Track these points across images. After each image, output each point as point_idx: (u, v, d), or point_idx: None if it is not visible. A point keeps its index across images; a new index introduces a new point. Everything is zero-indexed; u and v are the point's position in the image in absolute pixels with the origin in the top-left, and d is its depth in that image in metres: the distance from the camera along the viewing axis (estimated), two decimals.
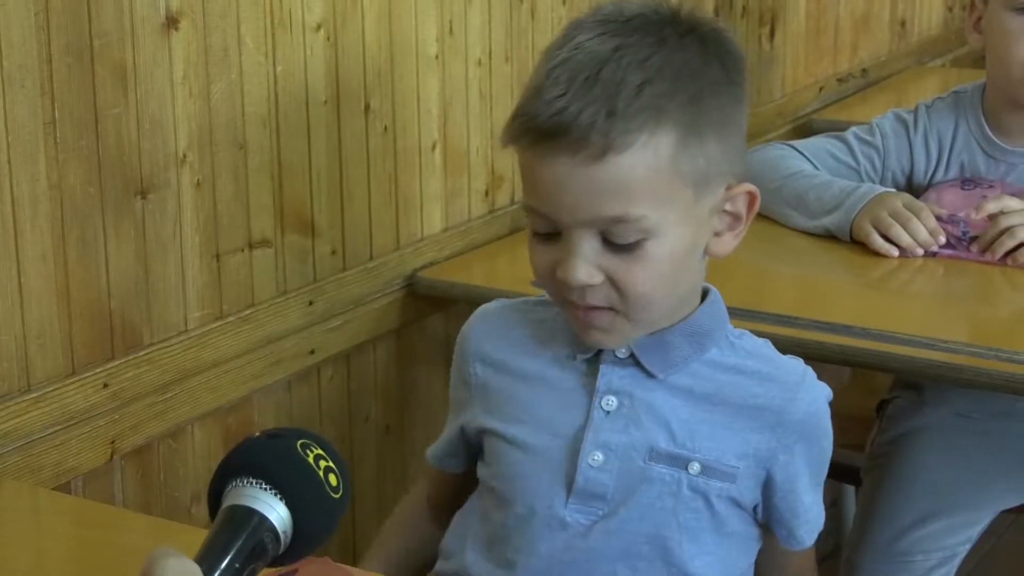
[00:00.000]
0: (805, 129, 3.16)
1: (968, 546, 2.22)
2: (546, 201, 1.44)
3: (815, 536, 1.58)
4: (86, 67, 1.67)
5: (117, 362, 1.75)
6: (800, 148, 2.39)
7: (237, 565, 1.05)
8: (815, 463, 1.55)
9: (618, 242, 1.43)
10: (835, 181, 2.29)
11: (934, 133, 2.37)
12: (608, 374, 1.53)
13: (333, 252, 2.04)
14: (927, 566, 2.19)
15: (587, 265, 1.43)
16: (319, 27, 1.97)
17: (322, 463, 1.11)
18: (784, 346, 1.93)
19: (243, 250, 1.90)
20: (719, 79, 1.47)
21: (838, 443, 2.50)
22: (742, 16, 3.00)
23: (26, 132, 1.61)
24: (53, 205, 1.66)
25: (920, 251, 2.17)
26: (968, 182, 2.33)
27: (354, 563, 2.03)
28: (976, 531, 2.22)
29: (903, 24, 3.72)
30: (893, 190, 2.27)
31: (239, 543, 1.05)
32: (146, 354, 1.78)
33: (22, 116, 1.61)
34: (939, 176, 2.37)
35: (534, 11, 2.40)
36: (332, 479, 1.11)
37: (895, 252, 2.17)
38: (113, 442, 1.75)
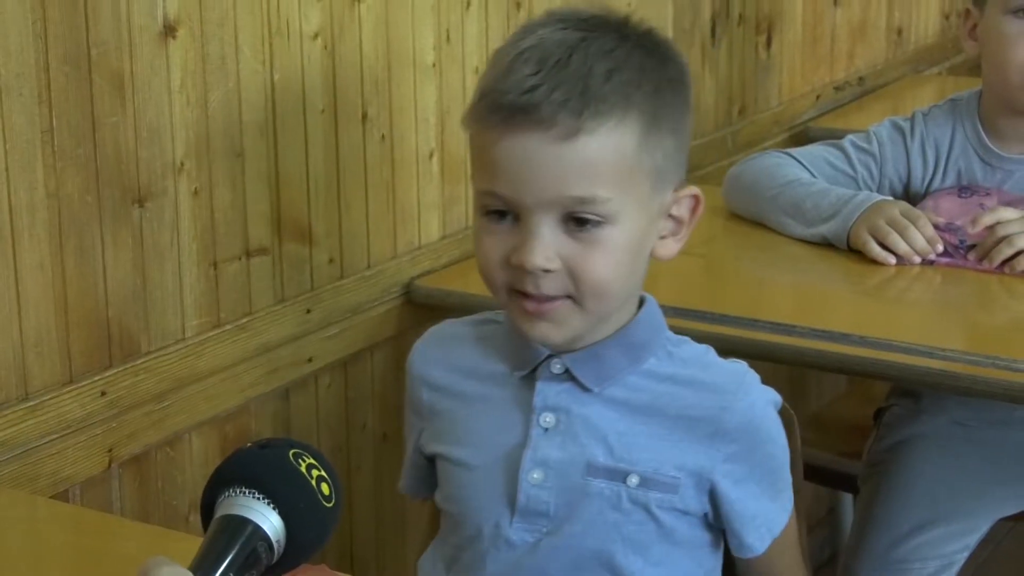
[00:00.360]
0: (802, 137, 3.16)
1: (966, 554, 2.22)
2: (510, 182, 1.43)
3: (767, 543, 1.55)
4: (84, 76, 1.67)
5: (115, 370, 1.75)
6: (797, 156, 2.39)
7: (231, 574, 1.05)
8: (760, 470, 1.53)
9: (582, 219, 1.43)
10: (832, 189, 2.29)
11: (931, 140, 2.37)
12: (544, 391, 1.52)
13: (331, 260, 2.04)
14: (925, 574, 2.19)
15: (546, 248, 1.43)
16: (316, 36, 1.97)
17: (314, 472, 1.12)
18: (782, 354, 1.94)
19: (240, 258, 1.90)
20: (675, 78, 1.51)
21: (836, 451, 2.53)
22: (739, 24, 3.00)
23: (24, 140, 1.61)
24: (51, 213, 1.66)
25: (917, 259, 2.17)
26: (965, 189, 2.34)
27: (352, 571, 2.03)
28: (974, 539, 2.22)
29: (900, 32, 3.72)
30: (890, 198, 2.27)
31: (233, 552, 1.06)
32: (144, 362, 1.78)
33: (20, 124, 1.61)
34: (936, 184, 2.37)
35: (531, 16, 2.39)
36: (324, 488, 1.12)
37: (892, 260, 2.17)
38: (110, 450, 1.75)
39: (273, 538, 1.08)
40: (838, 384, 3.23)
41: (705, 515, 1.54)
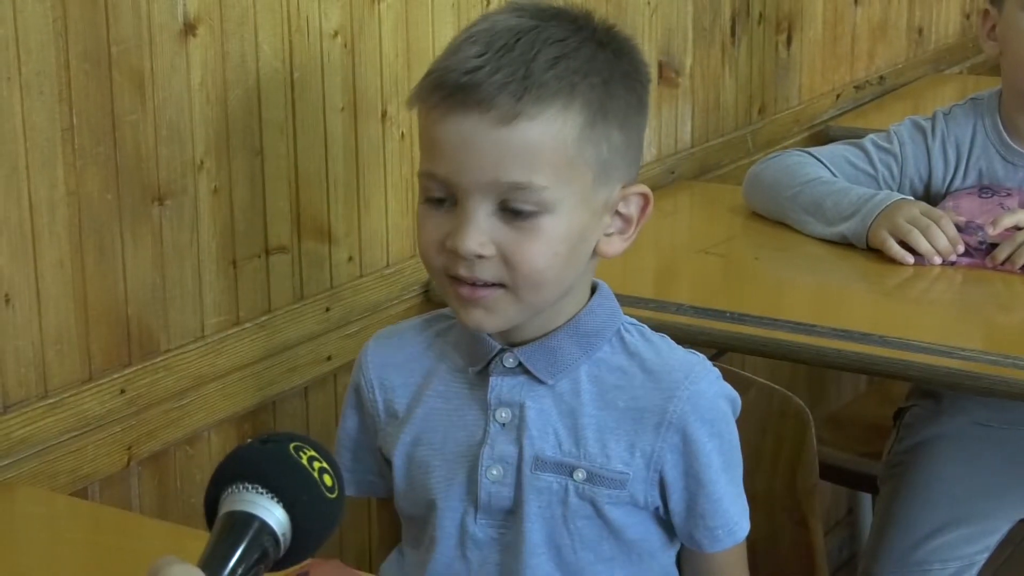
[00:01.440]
0: (822, 136, 3.16)
1: (986, 555, 2.21)
2: (448, 162, 1.42)
3: (722, 543, 1.53)
4: (104, 74, 1.67)
5: (134, 368, 1.75)
6: (818, 155, 2.39)
7: (240, 570, 1.05)
8: (710, 464, 1.50)
9: (516, 210, 1.42)
10: (853, 188, 2.29)
11: (952, 140, 2.37)
12: (497, 386, 1.52)
13: (350, 259, 2.04)
14: (945, 575, 2.19)
15: (480, 234, 1.42)
16: (336, 34, 1.97)
17: (316, 464, 1.12)
18: (801, 354, 1.94)
19: (260, 256, 1.90)
20: (629, 74, 1.49)
21: (855, 451, 2.53)
22: (759, 23, 3.00)
23: (44, 138, 1.62)
24: (71, 211, 1.66)
25: (938, 259, 2.16)
26: (986, 189, 2.33)
27: (370, 569, 2.03)
28: (994, 540, 2.22)
29: (920, 31, 3.71)
30: (911, 198, 2.27)
31: (241, 548, 1.06)
32: (163, 360, 1.78)
33: (40, 123, 1.61)
34: (957, 183, 2.36)
35: None
36: (327, 479, 1.12)
37: (911, 259, 2.17)
38: (130, 448, 1.75)
39: (279, 532, 1.08)
40: (858, 384, 3.23)
41: (657, 510, 1.52)
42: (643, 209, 1.52)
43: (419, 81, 1.47)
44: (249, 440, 1.14)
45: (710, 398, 1.50)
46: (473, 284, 1.44)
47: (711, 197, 2.69)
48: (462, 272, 1.44)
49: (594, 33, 1.47)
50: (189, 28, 1.76)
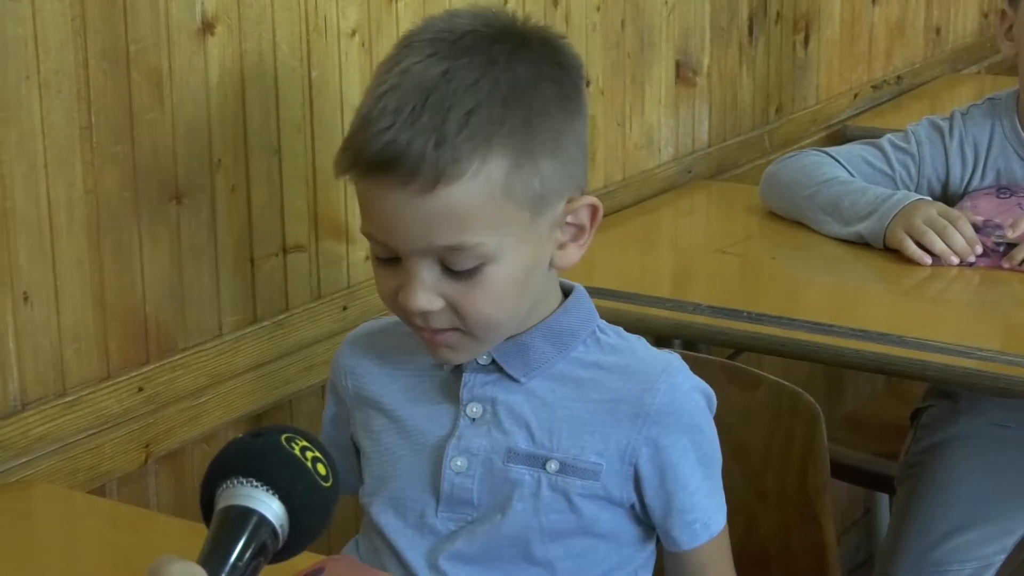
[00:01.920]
0: (839, 136, 3.16)
1: (1003, 556, 2.21)
2: (382, 230, 1.42)
3: (699, 537, 1.51)
4: (122, 72, 1.67)
5: (151, 366, 1.75)
6: (835, 155, 2.39)
7: (240, 564, 1.05)
8: (686, 458, 1.49)
9: (456, 269, 1.41)
10: (870, 188, 2.28)
11: (970, 140, 2.36)
12: (471, 381, 1.51)
13: (367, 258, 2.04)
14: None
15: (426, 292, 1.42)
16: (354, 33, 1.97)
17: (308, 454, 1.12)
18: (819, 354, 1.94)
19: (277, 255, 1.91)
20: (550, 97, 1.44)
21: (872, 451, 2.52)
22: (776, 23, 2.99)
23: (62, 137, 1.62)
24: (89, 210, 1.66)
25: (955, 260, 2.16)
26: (1004, 190, 2.33)
27: None
28: (1011, 541, 2.21)
29: (938, 31, 3.70)
30: (928, 198, 2.26)
31: (240, 543, 1.06)
32: (180, 358, 1.79)
33: (58, 121, 1.61)
34: (975, 183, 2.36)
35: (568, 17, 2.40)
36: (320, 468, 1.12)
37: (928, 260, 2.16)
38: (147, 446, 1.75)
39: (276, 524, 1.08)
40: (874, 384, 3.22)
41: (632, 507, 1.51)
42: (593, 217, 1.49)
43: (338, 153, 1.44)
44: (240, 435, 1.14)
45: (686, 391, 1.50)
46: (431, 330, 1.45)
47: (728, 196, 2.69)
48: (418, 323, 1.45)
49: (510, 58, 1.42)
50: (207, 27, 1.76)
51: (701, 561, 1.54)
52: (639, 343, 1.54)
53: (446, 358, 1.49)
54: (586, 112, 1.50)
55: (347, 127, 1.95)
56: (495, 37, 1.43)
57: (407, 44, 1.44)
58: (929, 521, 2.20)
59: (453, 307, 1.43)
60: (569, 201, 1.46)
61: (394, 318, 1.58)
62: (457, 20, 1.45)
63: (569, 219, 1.48)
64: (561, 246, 1.49)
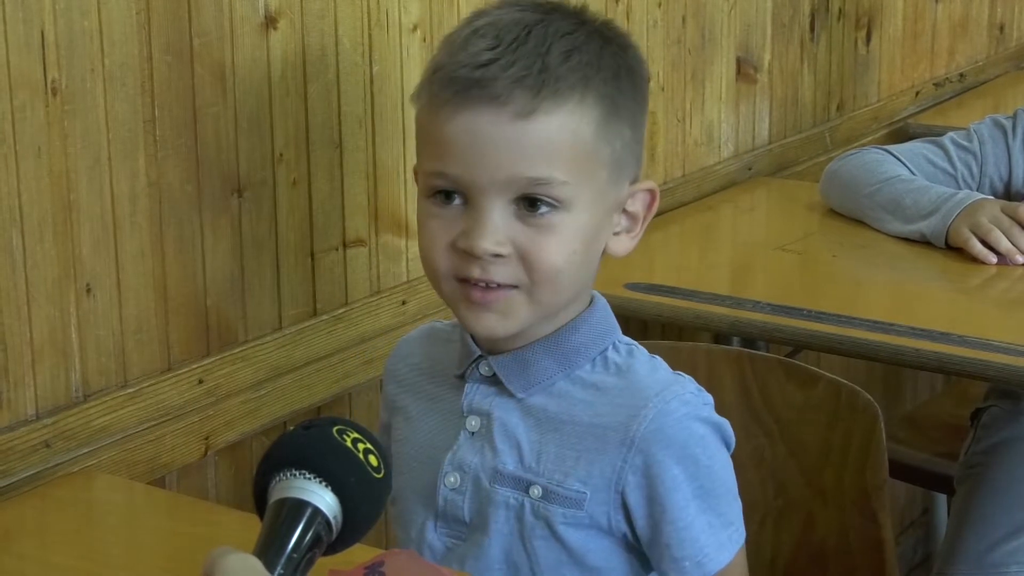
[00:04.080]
0: (901, 134, 3.14)
1: None
2: (462, 161, 1.36)
3: (687, 574, 1.41)
4: (185, 66, 1.68)
5: (212, 359, 1.76)
6: (896, 153, 2.37)
7: (295, 556, 1.06)
8: (677, 490, 1.40)
9: (533, 210, 1.36)
10: (932, 186, 2.27)
11: None
12: (471, 393, 1.46)
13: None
14: None
15: (497, 232, 1.36)
16: (415, 28, 1.98)
17: (360, 445, 1.12)
18: (878, 353, 1.93)
19: (337, 249, 1.91)
20: (634, 70, 1.45)
21: (931, 451, 2.51)
22: (838, 19, 2.98)
23: (126, 130, 1.63)
24: (152, 202, 1.67)
25: (1021, 259, 2.14)
26: None
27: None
28: None
29: (1001, 28, 3.68)
30: (991, 197, 2.25)
31: (296, 535, 1.06)
32: (241, 351, 1.80)
33: (123, 114, 1.62)
34: None
35: (629, 13, 2.39)
36: (372, 460, 1.12)
37: (993, 259, 2.15)
38: (207, 438, 1.76)
39: (330, 516, 1.08)
40: (934, 383, 3.20)
41: (625, 536, 1.43)
42: (649, 205, 1.47)
43: (424, 77, 1.41)
44: (292, 427, 1.15)
45: (678, 419, 1.40)
46: (487, 286, 1.38)
47: (788, 194, 2.68)
48: (476, 274, 1.38)
49: (595, 26, 1.43)
50: (270, 21, 1.77)
51: None
52: (646, 364, 1.46)
53: (490, 327, 1.41)
54: (647, 110, 1.50)
55: (408, 122, 1.96)
56: (578, 9, 1.45)
57: (485, 8, 1.43)
58: (989, 522, 2.18)
59: (521, 254, 1.37)
60: (631, 183, 1.45)
61: (443, 324, 1.57)
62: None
63: (628, 206, 1.45)
64: (616, 234, 1.46)
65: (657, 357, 1.48)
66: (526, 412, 1.45)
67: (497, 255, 1.37)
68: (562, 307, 1.44)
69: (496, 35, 1.37)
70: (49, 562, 1.44)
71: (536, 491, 1.42)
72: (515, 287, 1.39)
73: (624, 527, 1.42)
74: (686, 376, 1.45)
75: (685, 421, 1.40)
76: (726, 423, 1.45)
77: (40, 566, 1.43)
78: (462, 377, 1.48)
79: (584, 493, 1.41)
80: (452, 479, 1.46)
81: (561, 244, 1.38)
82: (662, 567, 1.42)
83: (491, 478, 1.44)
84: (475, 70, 1.35)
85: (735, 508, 1.45)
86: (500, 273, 1.38)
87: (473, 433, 1.46)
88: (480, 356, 1.46)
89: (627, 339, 1.49)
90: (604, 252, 1.46)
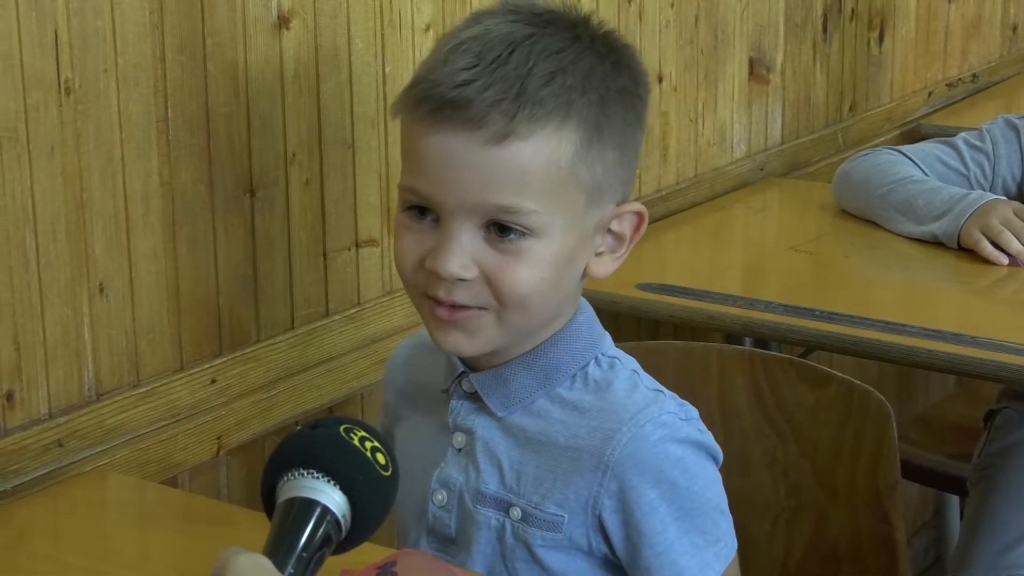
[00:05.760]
0: (913, 134, 3.13)
1: None
2: (431, 180, 1.33)
3: None
4: (198, 66, 1.69)
5: (224, 359, 1.76)
6: (909, 153, 2.37)
7: (305, 555, 1.06)
8: (654, 514, 1.37)
9: (503, 235, 1.33)
10: (944, 187, 2.27)
11: None
12: (456, 409, 1.44)
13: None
14: None
15: (463, 256, 1.33)
16: (428, 28, 1.98)
17: (368, 444, 1.12)
18: (891, 353, 1.93)
19: (350, 249, 1.92)
20: (627, 89, 1.40)
21: (942, 452, 2.51)
22: (851, 20, 2.98)
23: (139, 130, 1.63)
24: (164, 202, 1.67)
25: None
26: None
27: None
28: None
29: (1015, 29, 3.67)
30: (1004, 198, 2.24)
31: (305, 534, 1.06)
32: (253, 351, 1.80)
33: (136, 114, 1.63)
34: None
35: (642, 13, 2.39)
36: (380, 458, 1.12)
37: (1005, 260, 2.14)
38: (219, 438, 1.76)
39: (339, 515, 1.09)
40: (946, 385, 3.20)
41: (605, 556, 1.40)
42: (636, 227, 1.42)
43: (404, 90, 1.38)
44: (299, 427, 1.15)
45: (653, 443, 1.36)
46: (452, 306, 1.36)
47: (801, 194, 2.68)
48: (440, 295, 1.35)
49: (592, 42, 1.38)
50: (283, 21, 1.77)
51: None
52: (625, 382, 1.42)
53: (456, 345, 1.38)
54: (646, 125, 1.46)
55: None
56: (577, 21, 1.40)
57: (483, 13, 1.39)
58: (1003, 524, 2.18)
59: (488, 278, 1.34)
60: (617, 205, 1.41)
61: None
62: (538, 2, 1.41)
63: (613, 226, 1.41)
64: (598, 254, 1.42)
65: (640, 372, 1.44)
66: (507, 431, 1.43)
67: (462, 279, 1.34)
68: (537, 328, 1.41)
69: (478, 52, 1.33)
70: (61, 561, 1.44)
71: (516, 512, 1.41)
72: (483, 308, 1.36)
73: (604, 548, 1.40)
74: (667, 392, 1.42)
75: (660, 444, 1.37)
76: (709, 438, 1.41)
77: (52, 565, 1.44)
78: (447, 392, 1.46)
79: (562, 516, 1.39)
80: (440, 496, 1.45)
81: (530, 270, 1.35)
82: None
83: (474, 498, 1.42)
84: (451, 90, 1.32)
85: (722, 524, 1.41)
86: (464, 296, 1.35)
87: (459, 450, 1.45)
88: (463, 372, 1.44)
89: (612, 351, 1.45)
90: (585, 274, 1.42)
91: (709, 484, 1.40)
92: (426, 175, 1.34)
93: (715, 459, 1.42)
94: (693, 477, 1.38)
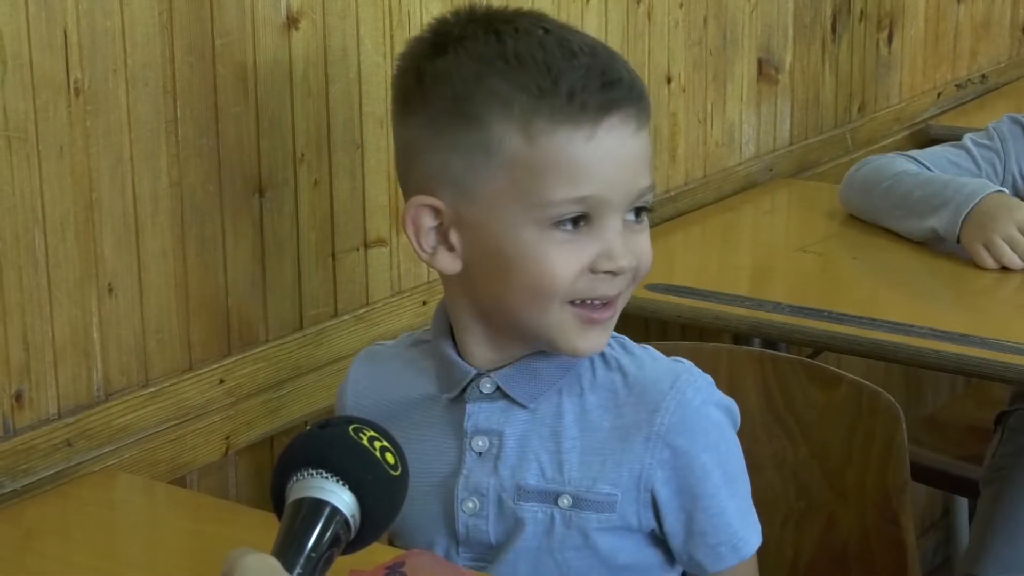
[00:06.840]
0: (922, 135, 3.13)
1: None
2: (600, 181, 1.35)
3: (726, 560, 1.43)
4: (208, 66, 1.69)
5: (233, 359, 1.77)
6: (919, 157, 2.36)
7: (314, 555, 1.06)
8: (708, 478, 1.41)
9: (637, 216, 1.39)
10: (938, 175, 2.25)
11: None
12: (475, 413, 1.44)
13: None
14: None
15: (629, 248, 1.38)
16: None
17: (377, 444, 1.12)
18: (899, 354, 1.92)
19: (358, 249, 1.92)
20: None
21: (951, 453, 2.50)
22: (860, 20, 2.97)
23: (148, 130, 1.63)
24: (173, 202, 1.68)
25: None
26: None
27: None
28: None
29: None
30: (1004, 190, 2.22)
31: (314, 534, 1.07)
32: (262, 351, 1.80)
33: (145, 114, 1.63)
34: None
35: (651, 14, 2.39)
36: (389, 458, 1.12)
37: (994, 265, 2.12)
38: (228, 438, 1.77)
39: (348, 515, 1.09)
40: (955, 386, 3.20)
41: (652, 532, 1.44)
42: None
43: (539, 103, 1.34)
44: (308, 426, 1.14)
45: (697, 407, 1.41)
46: (604, 304, 1.38)
47: (809, 195, 2.67)
48: (611, 292, 1.37)
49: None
50: (292, 21, 1.77)
51: None
52: (645, 354, 1.46)
53: (596, 343, 1.40)
54: None
55: None
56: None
57: (486, 20, 1.41)
58: (1015, 525, 2.17)
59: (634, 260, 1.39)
60: None
61: (398, 341, 1.55)
62: (479, 5, 1.46)
63: None
64: None
65: (647, 346, 1.48)
66: (539, 422, 1.44)
67: (629, 269, 1.38)
68: None
69: (588, 52, 1.36)
70: (70, 560, 1.45)
71: (566, 500, 1.42)
72: (620, 295, 1.40)
73: (652, 523, 1.43)
74: (683, 360, 1.46)
75: (704, 408, 1.42)
76: (733, 403, 1.46)
77: (61, 564, 1.44)
78: (459, 398, 1.46)
79: (615, 495, 1.41)
80: (471, 504, 1.44)
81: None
82: (696, 558, 1.43)
83: (515, 495, 1.43)
84: (611, 91, 1.35)
85: (747, 488, 1.47)
86: (623, 283, 1.39)
87: (481, 454, 1.44)
88: (478, 374, 1.45)
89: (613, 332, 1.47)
90: None
91: (739, 447, 1.46)
92: (594, 178, 1.35)
93: (737, 426, 1.47)
94: (730, 441, 1.44)
